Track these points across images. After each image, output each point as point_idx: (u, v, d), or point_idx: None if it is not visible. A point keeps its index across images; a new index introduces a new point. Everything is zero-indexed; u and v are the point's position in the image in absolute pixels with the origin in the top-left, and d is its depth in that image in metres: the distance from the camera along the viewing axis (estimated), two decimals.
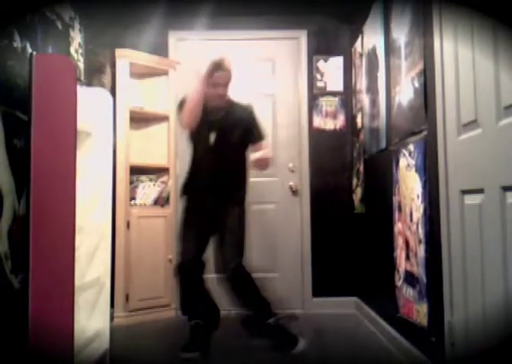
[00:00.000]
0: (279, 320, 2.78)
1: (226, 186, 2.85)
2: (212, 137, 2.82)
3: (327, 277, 3.88)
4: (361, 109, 3.62)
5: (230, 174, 2.87)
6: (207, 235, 2.88)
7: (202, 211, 2.86)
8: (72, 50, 2.88)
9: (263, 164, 2.80)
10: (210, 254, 2.89)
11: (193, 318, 2.85)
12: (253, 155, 2.77)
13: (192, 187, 2.93)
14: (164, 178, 3.83)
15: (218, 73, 2.75)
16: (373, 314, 3.29)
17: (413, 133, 2.43)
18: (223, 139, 2.83)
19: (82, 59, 3.04)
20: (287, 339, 2.74)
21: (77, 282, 2.00)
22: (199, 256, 2.84)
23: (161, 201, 3.76)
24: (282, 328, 2.77)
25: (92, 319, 2.47)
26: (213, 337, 2.86)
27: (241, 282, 2.78)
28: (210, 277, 2.90)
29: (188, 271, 2.83)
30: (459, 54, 1.93)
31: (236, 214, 2.85)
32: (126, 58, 3.62)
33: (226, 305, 2.99)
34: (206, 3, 3.60)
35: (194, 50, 4.04)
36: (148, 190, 3.74)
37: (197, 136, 2.88)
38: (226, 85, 2.81)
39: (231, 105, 2.90)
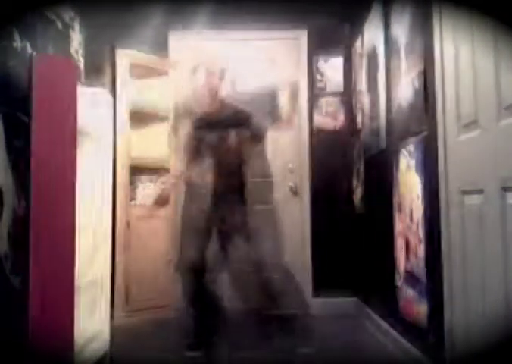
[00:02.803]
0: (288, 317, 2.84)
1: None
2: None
3: (327, 278, 3.88)
4: (361, 109, 3.62)
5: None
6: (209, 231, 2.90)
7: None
8: (72, 50, 2.87)
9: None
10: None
11: (196, 311, 2.89)
12: None
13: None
14: (164, 178, 3.82)
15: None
16: (373, 314, 3.29)
17: (413, 133, 2.43)
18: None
19: (82, 59, 3.03)
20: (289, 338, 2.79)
21: (77, 282, 2.00)
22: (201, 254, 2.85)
23: (161, 201, 3.76)
24: (290, 328, 2.82)
25: (92, 319, 2.47)
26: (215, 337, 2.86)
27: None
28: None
29: (190, 268, 2.83)
30: (459, 54, 1.93)
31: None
32: (126, 58, 3.62)
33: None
34: (206, 3, 3.60)
35: (194, 50, 4.03)
36: (148, 190, 3.74)
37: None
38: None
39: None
